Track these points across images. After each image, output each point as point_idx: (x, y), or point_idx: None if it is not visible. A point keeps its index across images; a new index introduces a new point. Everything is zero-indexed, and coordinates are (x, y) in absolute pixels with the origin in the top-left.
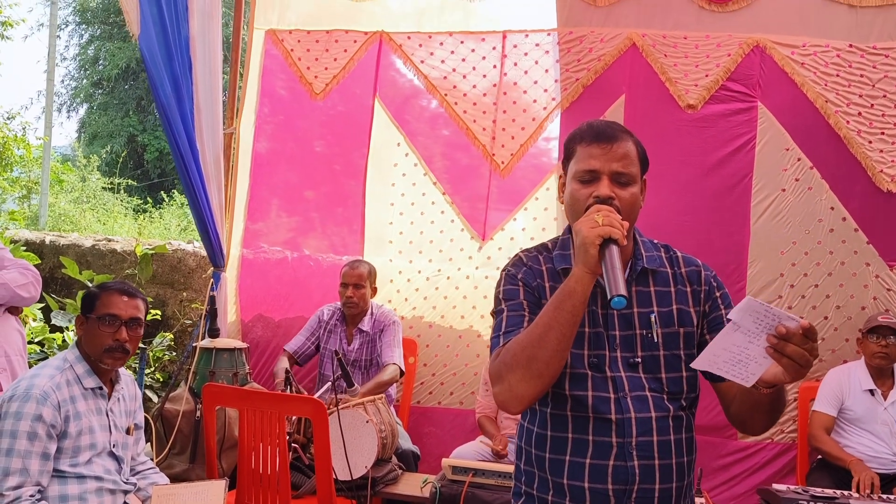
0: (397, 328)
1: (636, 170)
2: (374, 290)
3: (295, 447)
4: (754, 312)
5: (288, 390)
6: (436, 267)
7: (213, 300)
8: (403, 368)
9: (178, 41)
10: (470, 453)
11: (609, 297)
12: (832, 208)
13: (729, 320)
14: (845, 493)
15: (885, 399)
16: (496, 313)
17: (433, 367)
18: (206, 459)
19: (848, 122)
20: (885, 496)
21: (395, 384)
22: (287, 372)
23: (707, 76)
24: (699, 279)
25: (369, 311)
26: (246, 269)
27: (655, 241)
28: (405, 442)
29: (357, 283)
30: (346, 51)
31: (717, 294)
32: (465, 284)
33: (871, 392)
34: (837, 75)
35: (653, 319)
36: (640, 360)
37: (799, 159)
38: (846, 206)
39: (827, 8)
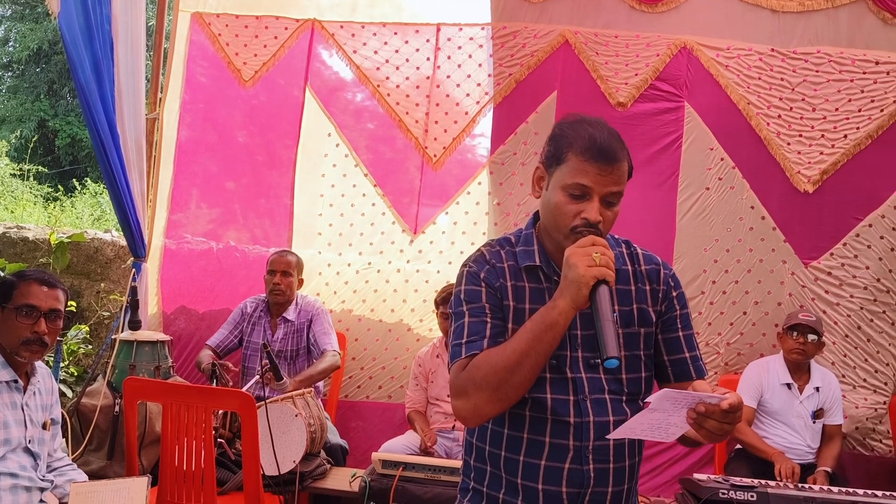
0: (326, 315)
1: (624, 187)
2: (301, 282)
3: (220, 442)
4: (672, 399)
5: (214, 383)
6: (366, 260)
7: (134, 291)
8: (341, 353)
9: (100, 21)
10: (399, 447)
11: (602, 359)
12: (752, 207)
13: (647, 402)
14: (763, 482)
15: (801, 393)
16: (455, 315)
17: (362, 362)
18: (126, 456)
19: (768, 124)
20: (801, 485)
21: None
22: (214, 365)
23: (637, 75)
24: (658, 278)
25: (294, 302)
26: (168, 260)
27: (616, 237)
28: (334, 436)
29: (285, 271)
30: (276, 38)
31: (674, 294)
32: (396, 278)
33: (788, 386)
34: (759, 78)
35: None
36: (600, 360)
37: (722, 159)
38: (765, 205)
39: (751, 12)
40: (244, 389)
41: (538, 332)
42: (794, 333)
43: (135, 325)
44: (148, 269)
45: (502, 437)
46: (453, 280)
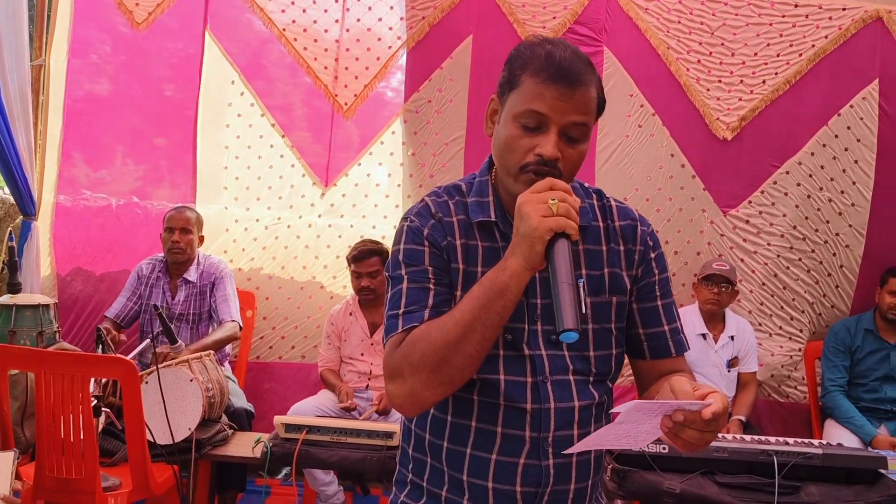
0: (230, 280)
1: (592, 121)
2: (202, 239)
3: (106, 412)
4: (644, 409)
5: (100, 350)
6: (275, 215)
7: (11, 251)
8: (241, 323)
9: None
10: (309, 409)
11: (558, 332)
12: (672, 155)
13: (615, 413)
14: None
15: (716, 343)
16: (392, 280)
17: (273, 321)
18: (0, 429)
19: (688, 69)
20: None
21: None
22: (99, 330)
23: (555, 18)
24: (634, 236)
25: (196, 261)
26: (62, 218)
27: (587, 185)
28: (238, 400)
29: (184, 227)
30: None
31: (653, 255)
32: (308, 233)
33: (704, 336)
34: (679, 22)
35: (581, 286)
36: (556, 333)
37: (642, 106)
38: (685, 153)
39: None
40: (133, 354)
41: (485, 300)
42: (708, 283)
43: (14, 287)
44: (39, 228)
45: (445, 426)
46: (367, 235)
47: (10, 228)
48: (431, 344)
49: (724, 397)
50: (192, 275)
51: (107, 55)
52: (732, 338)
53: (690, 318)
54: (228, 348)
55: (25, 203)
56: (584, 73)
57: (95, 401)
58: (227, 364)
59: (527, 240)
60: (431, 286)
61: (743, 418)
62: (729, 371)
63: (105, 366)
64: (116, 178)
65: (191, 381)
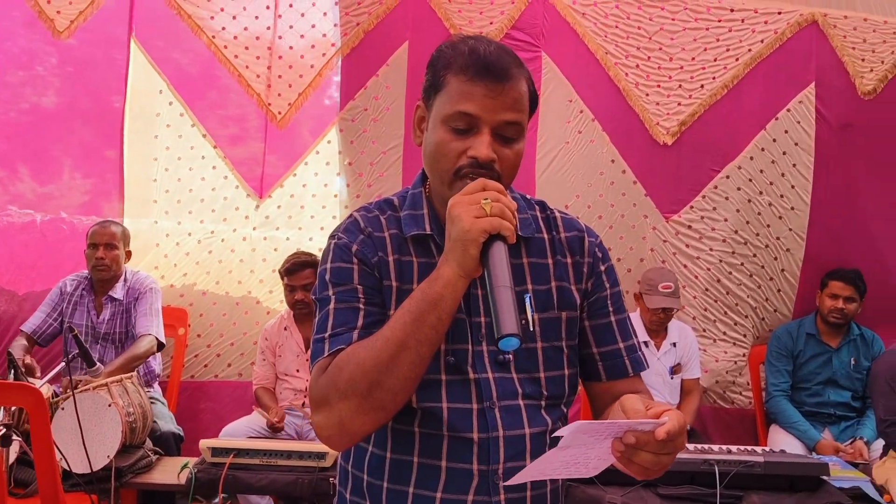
0: (154, 295)
1: (525, 118)
2: (129, 255)
3: (18, 441)
4: (590, 431)
5: (12, 376)
6: (208, 228)
7: None
8: (162, 340)
9: None
10: (241, 430)
11: (497, 337)
12: (613, 161)
13: (558, 436)
14: None
15: (658, 350)
16: (319, 302)
17: (208, 338)
18: None
19: (627, 74)
20: None
21: (154, 357)
22: (9, 354)
23: (492, 23)
24: (582, 248)
25: (122, 278)
26: None
27: (528, 197)
28: (165, 423)
29: (109, 243)
30: None
31: (602, 268)
32: (242, 247)
33: (646, 343)
34: (616, 27)
35: (528, 302)
36: (510, 356)
37: (581, 111)
38: (626, 158)
39: None
40: (47, 379)
41: (418, 313)
42: (655, 310)
43: None
44: None
45: (384, 463)
46: (304, 247)
47: None
48: (360, 366)
49: (680, 415)
50: (118, 292)
51: (27, 64)
52: (675, 344)
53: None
54: (158, 368)
55: None
56: (512, 67)
57: (4, 429)
58: (156, 385)
59: (459, 244)
60: (361, 306)
61: (687, 426)
62: (672, 378)
63: (9, 393)
64: (36, 192)
65: (109, 405)
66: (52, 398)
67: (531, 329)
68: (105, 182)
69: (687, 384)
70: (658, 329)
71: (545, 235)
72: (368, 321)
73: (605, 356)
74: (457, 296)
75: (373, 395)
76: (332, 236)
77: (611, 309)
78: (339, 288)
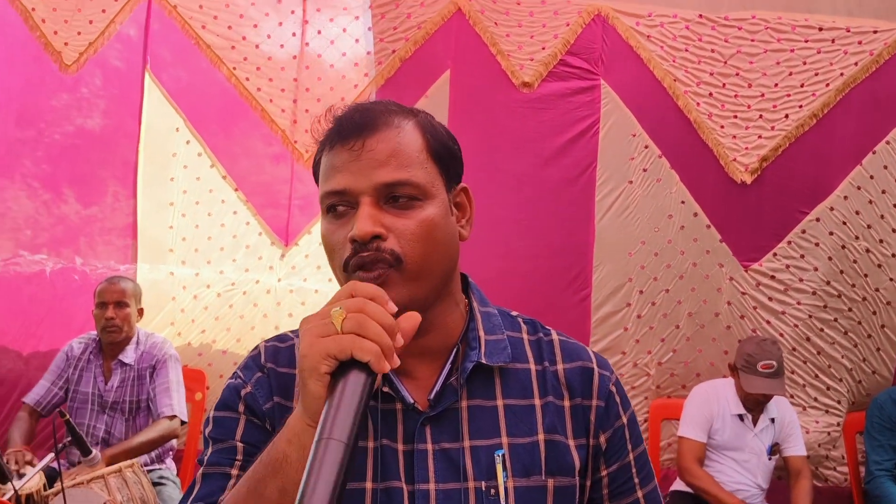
0: (175, 364)
1: (425, 175)
2: (141, 313)
3: None
4: None
5: None
6: (229, 280)
7: None
8: (185, 417)
9: None
10: None
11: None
12: (683, 202)
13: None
14: None
15: (754, 425)
16: (199, 462)
17: None
18: None
19: (698, 104)
20: None
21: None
22: (62, 413)
23: (544, 49)
24: (589, 386)
25: (134, 340)
26: None
27: (512, 313)
28: None
29: (119, 301)
30: (104, 11)
31: (624, 419)
32: (266, 300)
33: (741, 417)
34: (686, 50)
35: (499, 461)
36: None
37: (646, 146)
38: (698, 199)
39: None
40: (33, 472)
41: (256, 482)
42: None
43: None
44: None
45: None
46: None
47: None
48: None
49: None
50: (129, 356)
51: (33, 100)
52: (773, 420)
53: (724, 394)
54: (174, 440)
55: None
56: (382, 115)
57: None
58: (169, 460)
59: (300, 376)
60: (234, 472)
61: None
62: (770, 459)
63: None
64: (46, 238)
65: (105, 503)
66: (43, 490)
67: (502, 503)
68: (63, 225)
69: (793, 464)
70: (756, 406)
71: (532, 366)
72: (246, 452)
73: None
74: (304, 453)
75: None
76: (233, 374)
77: (636, 481)
78: (216, 445)
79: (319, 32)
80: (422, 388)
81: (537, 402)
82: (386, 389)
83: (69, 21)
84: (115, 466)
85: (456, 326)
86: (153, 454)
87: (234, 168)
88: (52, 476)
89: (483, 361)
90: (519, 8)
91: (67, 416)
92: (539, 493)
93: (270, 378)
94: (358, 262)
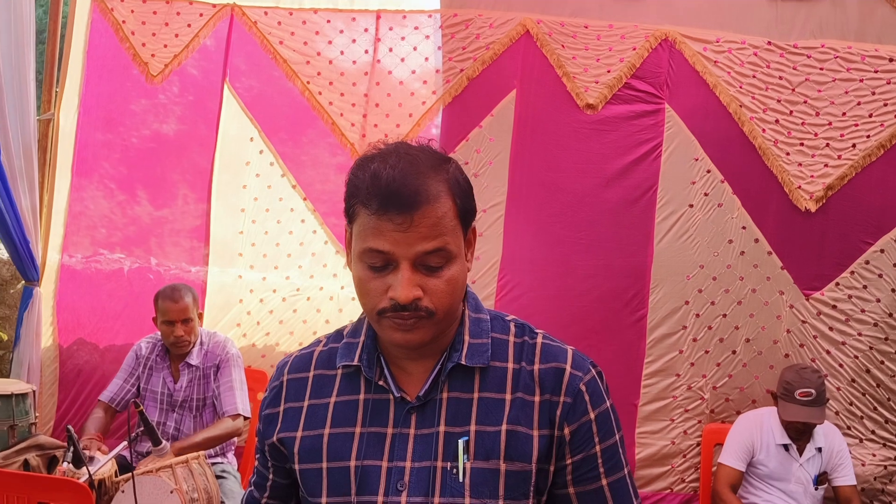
0: (237, 363)
1: (454, 239)
2: (201, 317)
3: None
4: None
5: (70, 455)
6: (294, 285)
7: None
8: (248, 413)
9: None
10: None
11: None
12: (744, 228)
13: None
14: None
15: (800, 455)
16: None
17: None
18: None
19: (764, 130)
20: None
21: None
22: (69, 431)
23: (609, 72)
24: (558, 384)
25: (199, 342)
26: (69, 282)
27: (507, 318)
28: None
29: (185, 319)
30: (189, 26)
31: (592, 415)
32: (329, 307)
33: (786, 447)
34: (754, 76)
35: (461, 446)
36: None
37: (709, 171)
38: (760, 226)
39: None
40: (106, 459)
41: None
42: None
43: None
44: (41, 295)
45: None
46: None
47: None
48: None
49: None
50: (194, 358)
51: (119, 109)
52: (820, 449)
53: (769, 424)
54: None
55: (27, 268)
56: (422, 190)
57: None
58: (231, 455)
59: None
60: (270, 475)
61: None
62: (817, 489)
63: (53, 489)
64: (123, 240)
65: (171, 492)
66: (115, 476)
67: (460, 480)
68: (138, 228)
69: (843, 493)
70: (800, 436)
71: (510, 365)
72: (273, 493)
73: None
74: None
75: None
76: None
77: (602, 470)
78: (259, 444)
79: (391, 50)
80: (415, 383)
81: (508, 396)
82: (381, 383)
83: (157, 34)
84: (183, 457)
85: (450, 332)
86: (216, 448)
87: (303, 178)
88: (122, 465)
89: (462, 363)
90: (586, 31)
91: (142, 408)
92: (493, 475)
93: (284, 387)
94: (398, 317)
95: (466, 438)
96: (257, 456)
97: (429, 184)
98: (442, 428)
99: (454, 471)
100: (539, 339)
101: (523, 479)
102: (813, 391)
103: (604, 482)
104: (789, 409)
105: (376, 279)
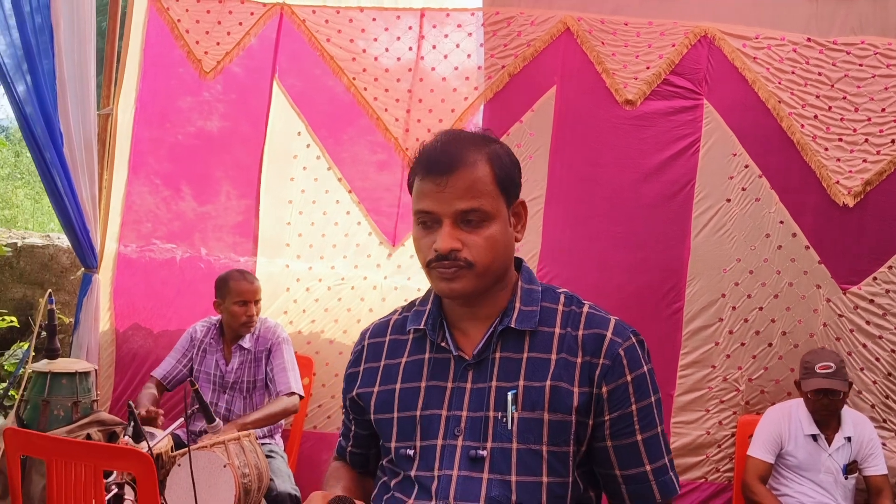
0: (288, 346)
1: (492, 202)
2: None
3: (130, 501)
4: None
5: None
6: (339, 275)
7: (52, 315)
8: (302, 393)
9: (37, 5)
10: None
11: None
12: (782, 222)
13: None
14: None
15: (829, 445)
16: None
17: (332, 389)
18: None
19: (803, 125)
20: None
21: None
22: (129, 406)
23: (648, 68)
24: (598, 348)
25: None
26: (123, 270)
27: (558, 290)
28: (282, 482)
29: (257, 299)
30: (241, 24)
31: (629, 377)
32: (372, 296)
33: (814, 437)
34: (793, 72)
35: (510, 398)
36: (485, 453)
37: (746, 166)
38: (797, 220)
39: None
40: (164, 435)
41: None
42: (817, 394)
43: (52, 353)
44: (99, 281)
45: None
46: None
47: (49, 291)
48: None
49: None
50: (247, 341)
51: (173, 104)
52: (849, 439)
53: (797, 415)
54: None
55: (86, 255)
56: (460, 155)
57: (116, 489)
58: (278, 437)
59: None
60: (352, 426)
61: None
62: (846, 478)
63: (118, 458)
64: (175, 230)
65: (224, 466)
66: (171, 451)
67: (509, 428)
68: (190, 218)
69: (875, 483)
70: (826, 419)
71: (557, 330)
72: (356, 441)
73: (629, 479)
74: None
75: None
76: None
77: (637, 427)
78: (344, 398)
79: (434, 47)
80: (472, 344)
81: (553, 356)
82: (443, 343)
83: (210, 32)
84: (234, 434)
85: (503, 299)
86: (265, 430)
87: (348, 171)
88: (177, 441)
89: (512, 326)
90: (626, 28)
91: (196, 386)
92: (537, 424)
93: (365, 350)
94: (440, 266)
95: (515, 391)
96: (344, 410)
97: (466, 152)
98: (494, 383)
99: (504, 419)
100: (585, 309)
101: (564, 428)
102: (832, 364)
103: (638, 437)
104: (810, 381)
105: (426, 236)
